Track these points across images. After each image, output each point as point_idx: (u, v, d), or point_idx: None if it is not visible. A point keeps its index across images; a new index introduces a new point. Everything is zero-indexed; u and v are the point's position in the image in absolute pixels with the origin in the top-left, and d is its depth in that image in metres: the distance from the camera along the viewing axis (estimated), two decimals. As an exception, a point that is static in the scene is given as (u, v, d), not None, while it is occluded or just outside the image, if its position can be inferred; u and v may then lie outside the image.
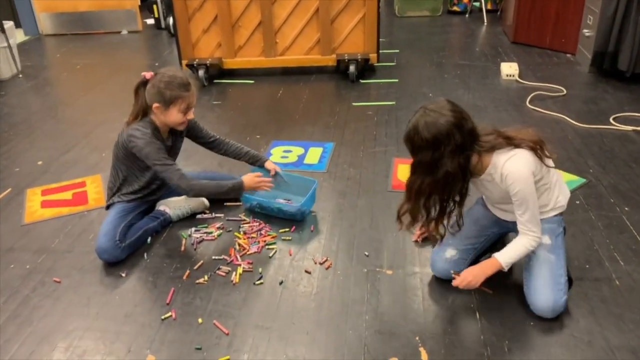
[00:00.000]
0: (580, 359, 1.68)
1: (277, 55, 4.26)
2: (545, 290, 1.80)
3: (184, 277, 2.09)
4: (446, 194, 1.78)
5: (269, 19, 4.10)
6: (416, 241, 2.24)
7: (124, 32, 5.99)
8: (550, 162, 1.83)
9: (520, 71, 4.12)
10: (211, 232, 2.35)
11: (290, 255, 2.20)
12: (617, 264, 2.07)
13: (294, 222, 2.40)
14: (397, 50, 4.90)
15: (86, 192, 2.75)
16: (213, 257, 2.20)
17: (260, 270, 2.11)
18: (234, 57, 4.26)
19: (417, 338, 1.77)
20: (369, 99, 3.83)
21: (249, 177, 2.37)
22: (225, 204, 2.53)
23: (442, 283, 1.98)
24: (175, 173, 2.19)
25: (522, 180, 1.71)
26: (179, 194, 2.40)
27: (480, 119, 3.28)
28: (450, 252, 1.99)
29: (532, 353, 1.70)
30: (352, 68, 4.08)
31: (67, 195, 2.73)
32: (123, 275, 2.12)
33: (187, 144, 2.50)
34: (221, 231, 2.37)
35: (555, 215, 1.90)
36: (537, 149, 1.76)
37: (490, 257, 1.87)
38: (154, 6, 5.93)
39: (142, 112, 2.23)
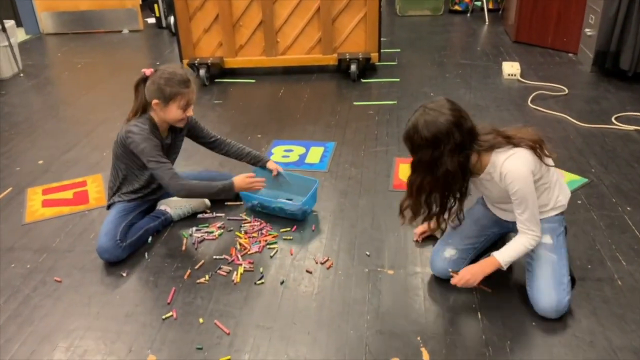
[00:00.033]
0: (583, 359, 1.67)
1: (278, 55, 4.25)
2: (548, 291, 1.79)
3: (185, 277, 2.09)
4: (447, 192, 1.80)
5: (270, 18, 4.09)
6: (417, 241, 2.24)
7: (125, 31, 5.98)
8: (549, 161, 1.82)
9: (522, 70, 4.11)
10: (212, 232, 2.35)
11: (292, 254, 2.20)
12: (619, 264, 2.07)
13: (295, 221, 2.39)
14: (399, 50, 4.90)
15: (87, 191, 2.74)
16: (214, 257, 2.20)
17: (261, 269, 2.11)
18: (235, 57, 4.26)
19: (418, 338, 1.77)
20: (370, 99, 3.82)
21: (240, 178, 2.36)
22: (226, 203, 2.53)
23: (443, 283, 1.98)
24: (168, 172, 2.18)
25: (521, 179, 1.71)
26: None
27: (482, 119, 3.31)
28: (449, 252, 1.99)
29: (534, 353, 1.70)
30: (353, 67, 4.08)
31: (68, 194, 2.72)
32: (124, 274, 2.12)
33: (188, 143, 2.50)
34: (222, 231, 2.36)
35: (556, 215, 1.89)
36: (537, 148, 1.76)
37: (489, 255, 1.87)
38: (155, 5, 5.92)
39: (142, 109, 2.23)
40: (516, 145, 1.75)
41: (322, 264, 2.14)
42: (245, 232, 2.33)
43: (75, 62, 4.99)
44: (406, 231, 2.29)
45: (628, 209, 2.41)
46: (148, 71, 2.18)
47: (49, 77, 4.69)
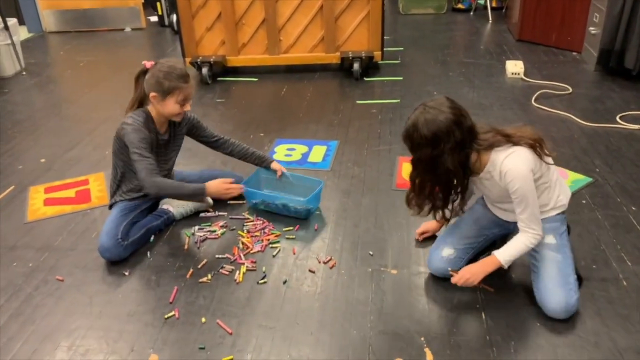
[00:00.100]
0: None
1: (281, 53, 4.24)
2: (556, 291, 1.77)
3: (187, 276, 2.08)
4: (448, 189, 1.81)
5: (273, 16, 4.08)
6: (417, 240, 2.22)
7: (128, 29, 5.98)
8: (549, 160, 1.81)
9: (526, 69, 4.09)
10: (214, 231, 2.34)
11: (294, 254, 2.19)
12: (624, 264, 2.05)
13: (298, 220, 2.38)
14: (402, 48, 4.88)
15: (89, 190, 2.74)
16: (216, 256, 2.19)
17: (263, 269, 2.10)
18: (237, 55, 4.25)
19: (422, 338, 1.75)
20: (373, 97, 3.81)
21: (215, 183, 2.27)
22: (228, 202, 2.52)
23: (447, 283, 1.96)
24: (146, 167, 2.12)
25: (521, 177, 1.70)
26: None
27: (485, 118, 3.30)
28: (447, 251, 1.98)
29: (539, 354, 1.68)
30: (356, 66, 4.07)
31: (70, 193, 2.72)
32: (126, 273, 2.11)
33: (191, 142, 2.49)
34: (224, 230, 2.35)
35: (557, 214, 1.89)
36: (536, 146, 1.75)
37: (489, 254, 1.85)
38: (158, 3, 5.92)
39: (140, 101, 2.23)
40: (516, 143, 1.74)
41: (324, 263, 2.13)
42: (248, 231, 2.33)
43: (77, 61, 4.99)
44: (409, 231, 2.28)
45: (633, 208, 2.39)
46: (148, 64, 2.17)
47: (52, 75, 4.68)
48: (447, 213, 1.90)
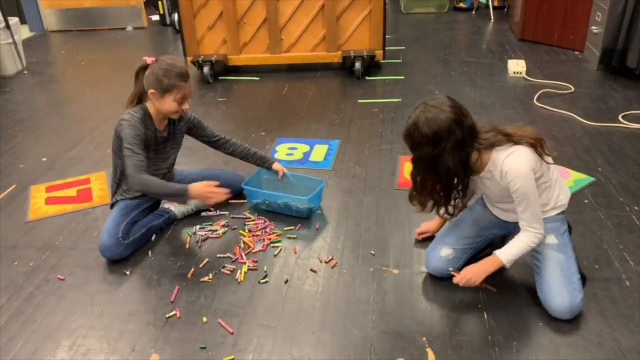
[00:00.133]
0: (590, 360, 1.66)
1: (283, 52, 4.23)
2: (560, 291, 1.77)
3: (189, 275, 2.08)
4: (448, 188, 1.81)
5: (275, 15, 4.08)
6: (417, 240, 2.22)
7: (129, 28, 5.98)
8: (549, 160, 1.81)
9: (528, 68, 4.08)
10: (216, 230, 2.33)
11: (296, 253, 2.18)
12: (627, 264, 2.04)
13: (300, 220, 2.38)
14: (403, 47, 4.87)
15: (90, 189, 2.73)
16: (218, 255, 2.18)
17: (265, 268, 2.10)
18: (239, 54, 4.24)
19: (424, 338, 1.75)
20: (375, 96, 3.80)
21: (198, 186, 2.17)
22: (229, 201, 2.51)
23: (449, 283, 1.96)
24: (135, 163, 2.11)
25: (522, 176, 1.70)
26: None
27: (487, 117, 3.29)
28: (446, 251, 1.98)
29: (541, 354, 1.68)
30: (357, 65, 4.06)
31: (72, 192, 2.72)
32: (127, 273, 2.11)
33: (192, 141, 2.48)
34: (226, 229, 2.35)
35: (557, 214, 1.88)
36: (537, 146, 1.75)
37: (490, 254, 1.85)
38: (159, 2, 5.91)
39: (139, 97, 2.23)
40: (516, 143, 1.74)
41: (326, 262, 2.12)
42: (249, 231, 2.32)
43: (79, 60, 4.99)
44: (411, 230, 2.28)
45: (636, 208, 2.38)
46: (149, 59, 2.17)
47: (53, 74, 4.68)
48: (450, 209, 1.90)
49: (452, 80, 4.06)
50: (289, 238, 2.28)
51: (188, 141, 2.47)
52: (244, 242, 2.25)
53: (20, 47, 4.61)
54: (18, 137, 3.38)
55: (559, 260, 1.81)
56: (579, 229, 2.23)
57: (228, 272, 2.09)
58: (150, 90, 2.15)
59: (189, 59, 4.19)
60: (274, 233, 2.30)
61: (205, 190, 2.18)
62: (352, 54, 4.08)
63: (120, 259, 2.16)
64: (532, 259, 1.88)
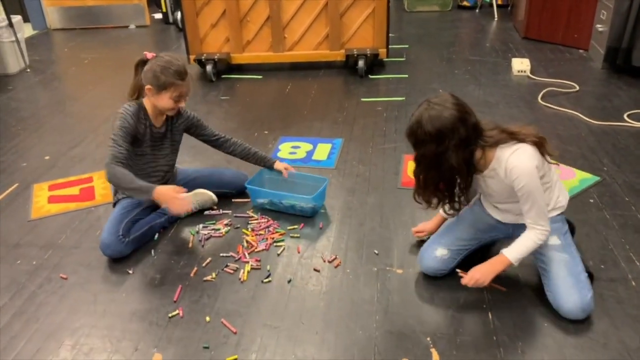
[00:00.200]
0: (596, 361, 1.64)
1: (286, 51, 4.22)
2: (569, 291, 1.75)
3: (192, 275, 2.07)
4: (452, 186, 1.80)
5: (278, 13, 4.07)
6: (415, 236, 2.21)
7: (132, 26, 5.97)
8: (551, 160, 1.80)
9: (532, 67, 4.06)
10: (219, 229, 2.33)
11: (299, 253, 2.17)
12: (632, 264, 2.03)
13: (303, 219, 2.37)
14: (407, 46, 4.86)
15: (93, 187, 2.73)
16: (221, 254, 2.18)
17: (268, 268, 2.09)
18: (242, 52, 4.23)
19: (428, 338, 1.74)
20: (378, 95, 3.79)
21: (165, 189, 2.11)
22: (233, 200, 2.50)
23: (453, 282, 1.95)
24: (114, 154, 2.08)
25: (527, 174, 1.69)
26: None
27: (491, 116, 3.27)
28: (441, 251, 1.97)
29: (546, 354, 1.67)
30: (361, 63, 4.05)
31: (75, 190, 2.71)
32: (130, 272, 2.10)
33: (194, 140, 2.47)
34: (229, 228, 2.34)
35: (557, 215, 1.87)
36: (540, 144, 1.74)
37: (498, 253, 1.83)
38: (162, 0, 5.91)
39: (137, 91, 2.23)
40: (521, 141, 1.73)
41: (329, 262, 2.11)
42: (252, 230, 2.31)
43: (82, 58, 4.99)
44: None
45: (641, 208, 2.37)
46: (149, 55, 2.16)
47: (56, 72, 4.68)
48: (456, 205, 1.88)
49: (455, 79, 4.04)
50: (292, 237, 2.27)
51: (191, 140, 2.47)
52: (247, 241, 2.24)
53: (23, 45, 4.61)
54: (21, 136, 3.38)
55: (565, 260, 1.80)
56: (585, 228, 2.21)
57: (231, 272, 2.08)
58: (147, 86, 2.14)
59: (192, 57, 4.18)
60: (277, 232, 2.29)
61: (170, 195, 2.09)
62: (355, 53, 4.07)
63: (121, 257, 2.15)
64: (538, 262, 1.86)
